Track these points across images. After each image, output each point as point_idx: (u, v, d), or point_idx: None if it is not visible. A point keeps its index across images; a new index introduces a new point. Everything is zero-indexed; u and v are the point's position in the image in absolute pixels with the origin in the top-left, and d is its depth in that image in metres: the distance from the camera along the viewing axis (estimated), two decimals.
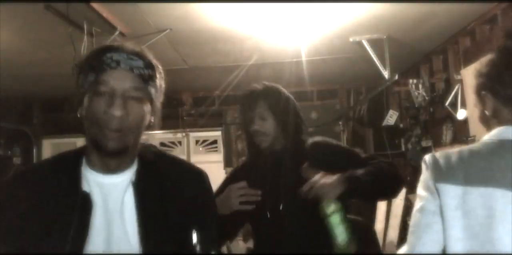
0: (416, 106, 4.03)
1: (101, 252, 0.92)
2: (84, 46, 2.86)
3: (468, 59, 3.29)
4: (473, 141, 3.20)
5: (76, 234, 0.90)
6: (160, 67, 1.05)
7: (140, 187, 0.99)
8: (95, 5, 2.64)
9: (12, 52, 3.49)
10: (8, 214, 0.94)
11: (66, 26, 2.79)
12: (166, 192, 1.01)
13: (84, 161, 1.01)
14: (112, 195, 0.97)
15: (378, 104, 4.82)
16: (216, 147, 5.40)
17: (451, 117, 3.60)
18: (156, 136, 4.97)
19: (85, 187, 0.97)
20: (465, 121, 3.37)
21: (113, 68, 0.95)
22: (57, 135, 5.45)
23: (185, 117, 5.25)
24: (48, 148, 5.50)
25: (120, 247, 0.93)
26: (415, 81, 3.92)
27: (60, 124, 5.53)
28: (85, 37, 2.85)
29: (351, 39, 3.52)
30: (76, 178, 0.97)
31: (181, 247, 0.97)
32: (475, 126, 3.21)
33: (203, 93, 5.31)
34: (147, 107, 0.99)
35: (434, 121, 3.90)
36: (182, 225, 0.99)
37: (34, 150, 5.40)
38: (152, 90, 1.00)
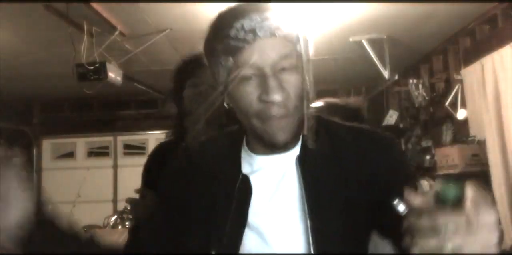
0: (416, 106, 4.04)
1: (260, 232, 0.81)
2: (84, 46, 2.87)
3: (468, 59, 3.29)
4: (473, 140, 3.20)
5: (235, 217, 0.80)
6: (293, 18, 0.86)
7: (306, 163, 0.81)
8: (95, 5, 2.64)
9: (12, 52, 3.49)
10: (177, 181, 0.88)
11: (66, 26, 2.79)
12: (338, 166, 0.82)
13: (244, 143, 0.86)
14: (274, 176, 0.83)
15: (378, 104, 4.83)
16: None
17: (451, 117, 3.60)
18: (159, 136, 4.96)
19: (245, 169, 0.84)
20: (465, 121, 3.37)
21: (251, 41, 0.74)
22: (57, 135, 5.46)
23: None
24: (48, 148, 5.50)
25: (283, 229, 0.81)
26: (415, 81, 3.92)
27: (60, 125, 5.55)
28: (85, 37, 2.85)
29: (351, 39, 3.52)
30: (236, 160, 0.85)
31: (364, 229, 0.82)
32: (475, 126, 3.22)
33: None
34: (302, 74, 0.79)
35: (434, 121, 3.90)
36: (364, 203, 0.80)
37: (34, 150, 5.39)
38: (302, 50, 0.79)
